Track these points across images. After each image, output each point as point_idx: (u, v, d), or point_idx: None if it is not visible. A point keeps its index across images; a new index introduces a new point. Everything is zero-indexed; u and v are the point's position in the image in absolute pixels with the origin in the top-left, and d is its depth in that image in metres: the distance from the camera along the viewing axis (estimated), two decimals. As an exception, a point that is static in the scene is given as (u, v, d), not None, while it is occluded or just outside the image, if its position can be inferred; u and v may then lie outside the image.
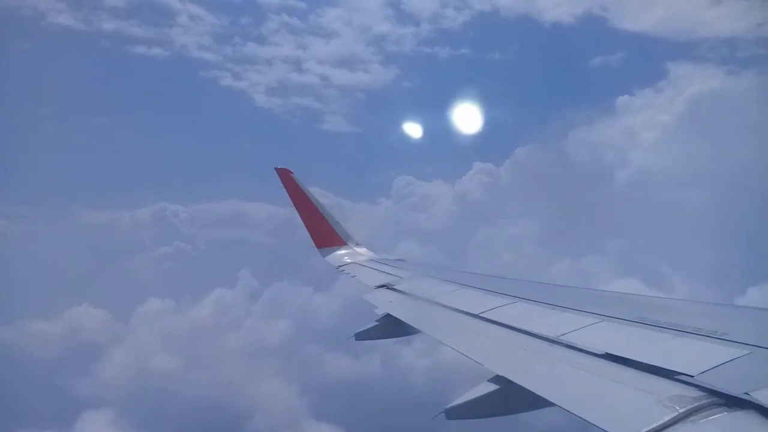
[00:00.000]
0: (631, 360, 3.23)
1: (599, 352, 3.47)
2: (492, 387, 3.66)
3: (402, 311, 6.05)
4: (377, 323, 6.30)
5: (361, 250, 11.17)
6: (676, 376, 2.90)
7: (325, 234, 11.46)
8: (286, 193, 11.62)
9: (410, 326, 5.54)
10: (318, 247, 11.33)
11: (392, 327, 6.04)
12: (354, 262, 10.09)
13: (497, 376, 3.69)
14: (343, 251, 11.09)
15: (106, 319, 39.14)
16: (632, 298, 5.10)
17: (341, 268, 9.85)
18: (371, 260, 10.06)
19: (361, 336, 6.37)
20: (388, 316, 6.16)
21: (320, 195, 11.91)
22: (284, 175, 11.89)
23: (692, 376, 2.82)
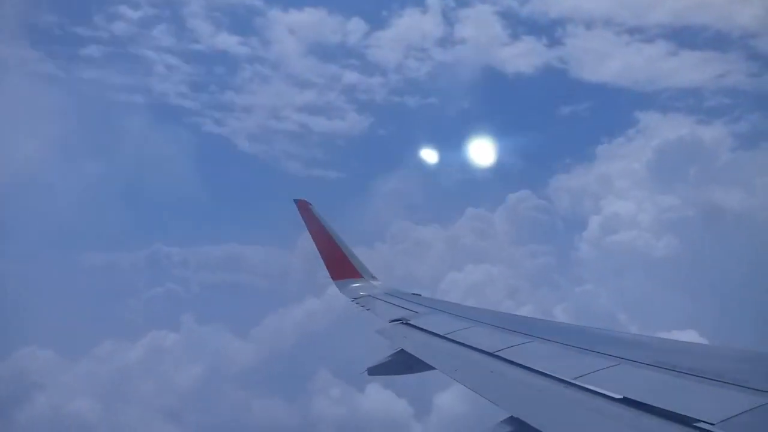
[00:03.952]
0: (650, 405, 3.16)
1: (617, 396, 3.40)
2: (506, 429, 3.60)
3: (416, 347, 6.00)
4: (390, 358, 6.24)
5: (377, 283, 11.15)
6: (696, 424, 2.83)
7: (341, 266, 11.48)
8: (304, 225, 11.75)
9: (424, 362, 5.49)
10: (333, 279, 11.33)
11: (405, 363, 5.99)
12: (369, 295, 10.07)
13: (511, 417, 3.63)
14: (358, 284, 11.08)
15: (51, 360, 38.41)
16: (651, 340, 5.00)
17: (356, 301, 9.83)
18: (386, 294, 10.03)
19: (373, 371, 6.31)
20: (401, 351, 6.12)
21: (338, 227, 12.00)
22: (303, 207, 12.05)
23: (713, 424, 2.76)
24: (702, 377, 3.43)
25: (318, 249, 11.59)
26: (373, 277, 11.44)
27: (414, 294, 9.89)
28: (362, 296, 10.13)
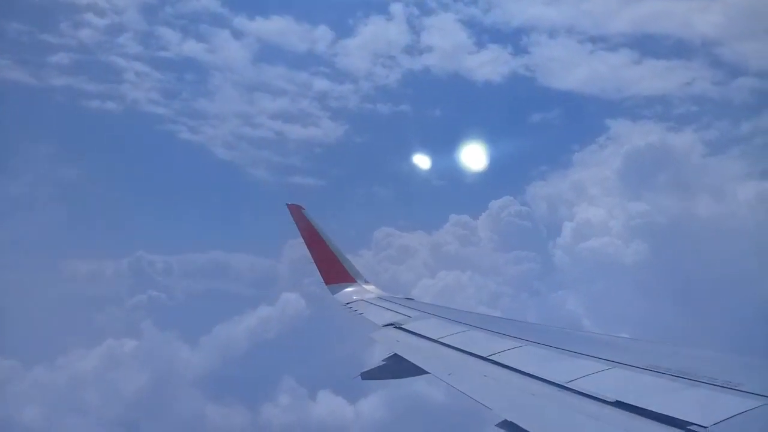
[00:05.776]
0: (643, 409, 3.17)
1: (610, 400, 3.40)
2: None
3: (410, 351, 5.99)
4: (384, 363, 6.22)
5: (370, 287, 11.13)
6: (689, 427, 2.84)
7: (335, 270, 11.45)
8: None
9: (417, 367, 5.47)
10: (327, 284, 11.31)
11: (399, 367, 5.97)
12: (362, 300, 10.05)
13: (505, 421, 3.62)
14: (351, 288, 11.06)
15: (12, 368, 37.58)
16: (644, 344, 5.02)
17: (349, 305, 9.80)
18: (379, 298, 10.01)
19: (367, 376, 6.29)
20: (395, 356, 6.10)
21: (331, 232, 11.97)
22: (295, 211, 12.00)
23: (705, 427, 2.76)
24: (695, 380, 3.44)
25: (310, 253, 11.55)
26: (366, 282, 11.42)
27: (407, 298, 9.88)
28: (355, 300, 10.10)
